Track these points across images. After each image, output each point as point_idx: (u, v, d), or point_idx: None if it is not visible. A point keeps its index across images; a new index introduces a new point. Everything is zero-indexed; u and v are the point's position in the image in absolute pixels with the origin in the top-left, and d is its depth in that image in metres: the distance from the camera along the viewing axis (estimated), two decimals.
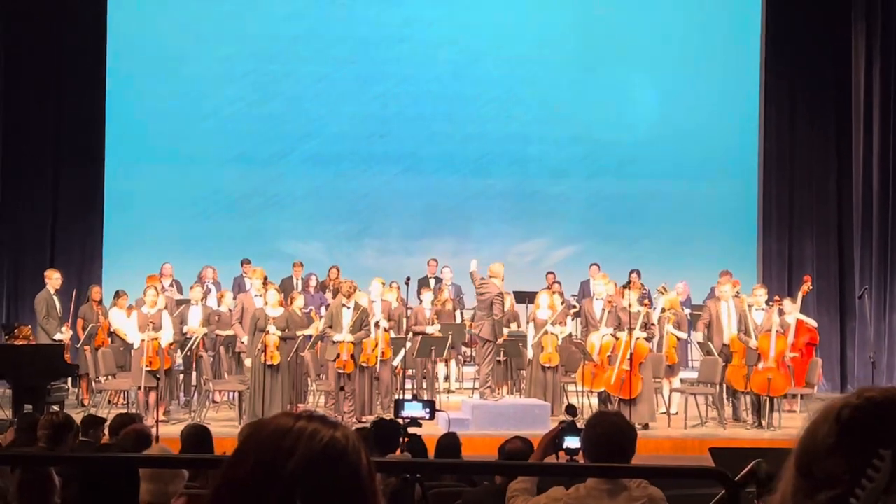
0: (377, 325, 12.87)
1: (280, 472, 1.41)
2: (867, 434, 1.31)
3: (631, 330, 12.13)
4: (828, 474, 1.31)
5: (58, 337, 13.12)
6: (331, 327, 12.35)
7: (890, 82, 16.20)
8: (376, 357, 12.72)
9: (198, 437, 5.99)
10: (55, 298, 13.56)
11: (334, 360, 12.24)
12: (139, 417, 8.59)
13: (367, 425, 9.42)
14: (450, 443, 6.91)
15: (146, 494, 3.94)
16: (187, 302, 13.91)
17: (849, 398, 1.36)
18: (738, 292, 13.81)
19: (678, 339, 13.66)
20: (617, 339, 12.36)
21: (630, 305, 12.29)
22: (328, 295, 15.32)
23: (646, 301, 13.13)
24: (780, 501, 1.37)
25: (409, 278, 13.13)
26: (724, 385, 12.98)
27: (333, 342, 12.24)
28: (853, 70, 16.64)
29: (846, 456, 1.31)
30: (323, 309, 14.42)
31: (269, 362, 11.90)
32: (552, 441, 4.27)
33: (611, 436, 3.95)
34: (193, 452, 5.69)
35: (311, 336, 13.16)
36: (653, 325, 12.66)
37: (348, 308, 12.36)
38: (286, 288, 15.12)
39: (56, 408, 11.11)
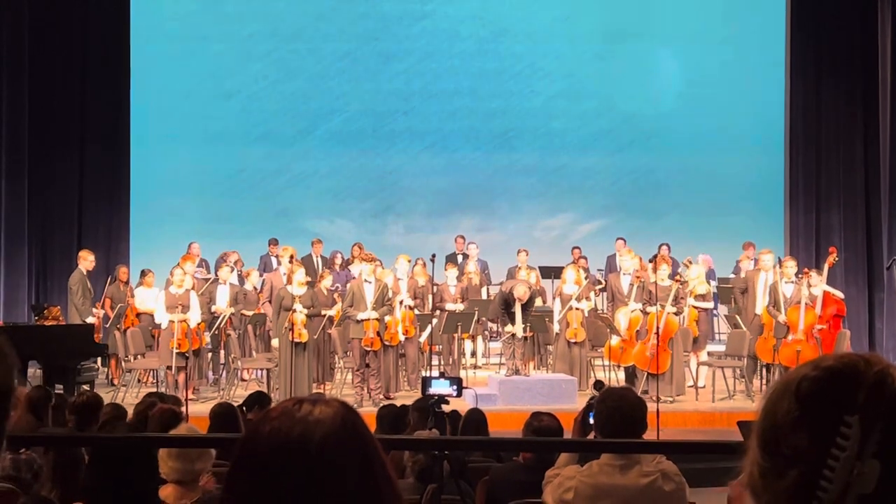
0: (401, 303, 12.88)
1: (300, 455, 1.42)
2: (830, 404, 1.29)
3: (662, 304, 12.10)
4: (795, 450, 1.29)
5: (89, 320, 13.23)
6: (351, 306, 12.36)
7: None
8: (399, 335, 12.76)
9: (225, 415, 6.03)
10: (88, 279, 13.67)
11: (360, 339, 12.25)
12: (171, 398, 8.64)
13: (395, 402, 9.47)
14: (475, 418, 6.93)
15: (173, 473, 3.97)
16: (215, 281, 13.98)
17: (805, 370, 1.35)
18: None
19: (703, 310, 13.61)
20: (646, 314, 12.33)
21: (661, 280, 12.25)
22: (354, 271, 15.35)
23: (678, 276, 13.07)
24: (748, 483, 1.36)
25: (434, 255, 13.14)
26: (754, 357, 12.94)
27: (357, 321, 12.26)
28: (880, 38, 16.44)
29: (811, 429, 1.29)
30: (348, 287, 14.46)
31: (296, 340, 11.96)
32: (582, 422, 4.29)
33: (620, 410, 3.98)
34: (221, 431, 5.73)
35: (333, 316, 13.20)
36: (682, 299, 12.61)
37: (369, 283, 12.38)
38: (307, 266, 15.17)
39: (86, 387, 11.23)
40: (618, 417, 3.96)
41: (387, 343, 12.53)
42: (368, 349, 12.24)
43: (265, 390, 12.69)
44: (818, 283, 13.03)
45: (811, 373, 1.33)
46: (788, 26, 17.42)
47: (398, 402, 8.60)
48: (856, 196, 16.84)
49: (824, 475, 1.27)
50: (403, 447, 5.14)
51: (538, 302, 14.40)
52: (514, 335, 12.46)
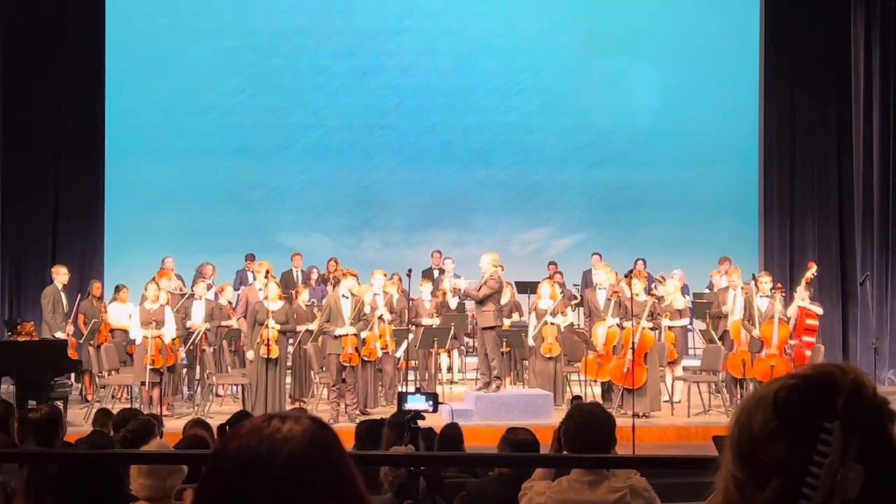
0: (381, 318, 12.85)
1: (266, 471, 1.42)
2: (809, 411, 1.31)
3: (637, 319, 12.12)
4: (775, 459, 1.31)
5: (59, 335, 13.12)
6: (328, 321, 12.32)
7: (889, 67, 16.18)
8: (377, 351, 12.72)
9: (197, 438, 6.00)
10: (62, 294, 13.57)
11: (338, 355, 12.20)
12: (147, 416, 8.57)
13: (372, 417, 9.42)
14: (451, 434, 6.91)
15: (143, 489, 3.93)
16: (191, 297, 13.92)
17: (780, 381, 1.36)
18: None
19: (679, 327, 13.66)
20: (623, 328, 12.35)
21: (637, 294, 12.28)
22: (330, 287, 15.32)
23: (653, 291, 13.11)
24: (722, 499, 1.37)
25: (410, 270, 13.13)
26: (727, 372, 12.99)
27: (335, 336, 12.21)
28: (852, 55, 16.60)
29: (791, 438, 1.31)
30: (324, 302, 14.42)
31: (267, 356, 11.90)
32: (558, 437, 4.30)
33: (588, 426, 4.00)
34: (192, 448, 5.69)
35: (312, 331, 13.16)
36: (659, 315, 12.65)
37: (347, 298, 12.35)
38: (287, 281, 15.14)
39: (59, 404, 11.12)
40: (586, 434, 3.98)
41: (365, 358, 12.49)
42: (346, 364, 12.19)
43: (240, 406, 12.64)
44: (805, 298, 13.10)
45: (788, 382, 1.35)
46: (762, 43, 17.54)
47: (376, 418, 8.56)
48: (829, 211, 16.96)
49: (807, 482, 1.28)
50: (379, 463, 5.12)
51: (515, 317, 14.42)
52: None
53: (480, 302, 12.57)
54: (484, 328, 12.70)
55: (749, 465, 1.33)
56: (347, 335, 12.17)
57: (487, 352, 12.59)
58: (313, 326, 13.16)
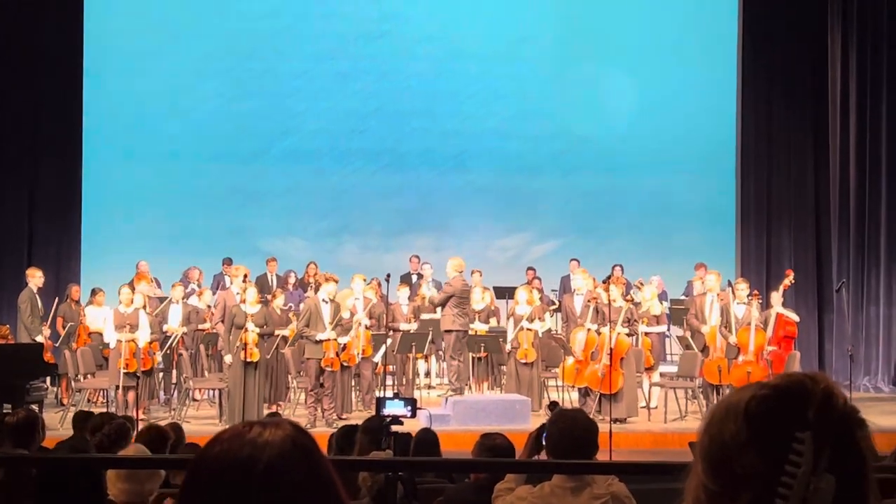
0: (360, 323, 12.84)
1: (247, 476, 1.42)
2: (780, 421, 1.31)
3: (612, 324, 12.15)
4: (747, 471, 1.31)
5: (38, 339, 13.07)
6: (307, 326, 12.28)
7: (866, 76, 16.30)
8: (357, 356, 12.71)
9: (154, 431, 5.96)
10: (38, 297, 13.50)
11: (318, 359, 12.16)
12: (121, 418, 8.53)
13: (349, 423, 9.40)
14: (427, 439, 6.90)
15: (122, 494, 3.92)
16: (167, 300, 13.87)
17: (751, 391, 1.36)
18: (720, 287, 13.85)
19: (656, 333, 13.71)
20: (600, 334, 12.38)
21: (614, 300, 12.31)
22: (310, 292, 15.29)
23: (629, 296, 13.15)
24: None
25: (389, 275, 13.12)
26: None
27: (317, 341, 12.17)
28: (830, 64, 16.71)
29: (762, 448, 1.31)
30: (301, 306, 14.39)
31: (248, 360, 11.86)
32: (536, 440, 4.30)
33: (571, 432, 4.00)
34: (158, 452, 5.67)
35: (287, 336, 13.11)
36: (636, 321, 12.69)
37: (327, 303, 12.32)
38: (262, 285, 15.10)
39: (35, 407, 11.05)
40: (569, 440, 3.98)
41: (344, 364, 12.47)
42: (328, 369, 12.16)
43: (217, 410, 12.61)
44: (776, 304, 13.16)
45: (759, 392, 1.34)
46: (740, 50, 17.63)
47: (353, 423, 8.54)
48: (806, 218, 17.05)
49: (779, 493, 1.28)
50: (359, 468, 5.11)
51: (492, 322, 14.43)
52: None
53: (441, 306, 12.74)
54: (444, 331, 12.84)
55: (721, 475, 1.33)
56: (329, 340, 12.14)
57: (448, 355, 12.68)
58: (287, 332, 13.12)
